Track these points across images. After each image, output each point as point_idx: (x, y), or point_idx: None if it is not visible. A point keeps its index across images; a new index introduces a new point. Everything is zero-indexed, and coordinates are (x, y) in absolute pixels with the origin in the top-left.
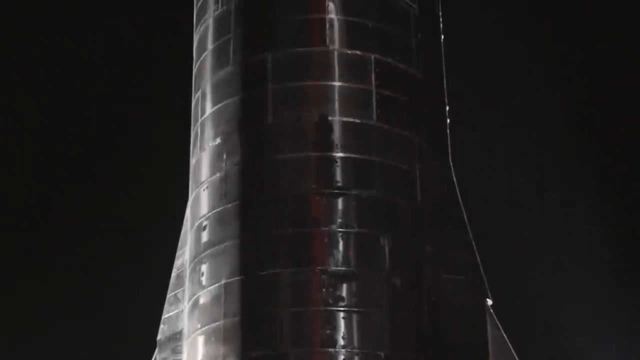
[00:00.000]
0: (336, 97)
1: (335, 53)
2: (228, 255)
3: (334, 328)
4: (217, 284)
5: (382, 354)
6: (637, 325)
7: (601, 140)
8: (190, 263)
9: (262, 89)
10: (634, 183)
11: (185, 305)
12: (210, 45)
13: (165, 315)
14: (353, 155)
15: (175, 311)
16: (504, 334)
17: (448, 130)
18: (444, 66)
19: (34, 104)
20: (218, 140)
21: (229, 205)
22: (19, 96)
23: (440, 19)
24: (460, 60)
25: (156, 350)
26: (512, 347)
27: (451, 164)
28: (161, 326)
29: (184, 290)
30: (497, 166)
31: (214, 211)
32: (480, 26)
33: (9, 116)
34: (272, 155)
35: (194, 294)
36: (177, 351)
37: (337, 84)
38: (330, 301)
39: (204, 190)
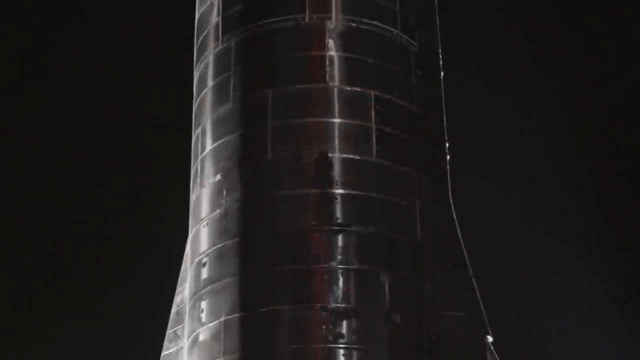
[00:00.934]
0: (336, 133)
1: (335, 90)
2: (228, 292)
3: None
4: (216, 321)
5: None
6: None
7: (603, 179)
8: (190, 299)
9: (262, 125)
10: (635, 222)
11: (185, 342)
12: (210, 82)
13: (164, 352)
14: (353, 192)
15: (174, 348)
16: None
17: (448, 167)
18: (443, 103)
19: (31, 145)
20: (218, 177)
21: (229, 241)
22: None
23: (440, 56)
24: (460, 96)
25: None
26: None
27: (451, 200)
28: None
29: (183, 327)
30: (498, 203)
31: (214, 248)
32: (480, 63)
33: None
34: (272, 192)
35: (193, 331)
36: None
37: (337, 120)
38: (330, 338)
39: (203, 226)
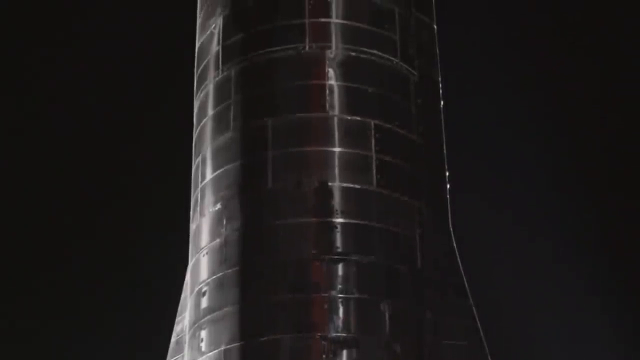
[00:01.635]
0: (336, 162)
1: (335, 119)
2: (228, 321)
3: None
4: (216, 350)
5: None
6: None
7: (604, 206)
8: (190, 329)
9: (262, 154)
10: (636, 251)
11: None
12: (210, 111)
13: None
14: (353, 221)
15: None
16: None
17: (448, 196)
18: (443, 132)
19: (32, 175)
20: (218, 206)
21: (229, 270)
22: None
23: (440, 85)
24: (460, 125)
25: None
26: None
27: (451, 229)
28: None
29: (183, 356)
30: (498, 231)
31: (214, 277)
32: (479, 92)
33: None
34: (272, 221)
35: None
36: None
37: (337, 149)
38: None
39: (203, 255)
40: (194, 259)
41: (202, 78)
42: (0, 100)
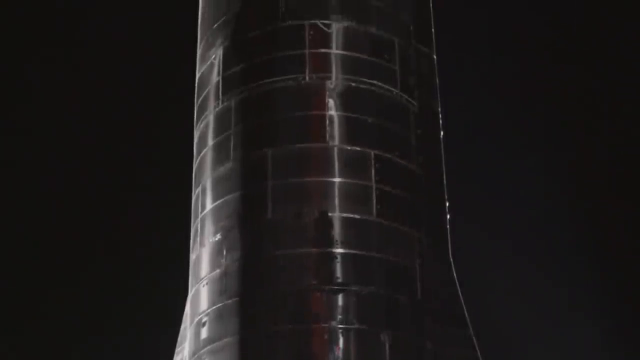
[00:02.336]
0: (336, 192)
1: (335, 149)
2: (228, 352)
3: None
4: None
5: None
6: None
7: (605, 239)
8: (190, 359)
9: (262, 184)
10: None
11: None
12: (210, 141)
13: None
14: (353, 251)
15: None
16: None
17: (448, 226)
18: (443, 162)
19: (31, 204)
20: (218, 236)
21: (229, 301)
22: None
23: (440, 115)
24: (460, 156)
25: None
26: None
27: (451, 259)
28: None
29: None
30: (498, 262)
31: (214, 307)
32: (479, 122)
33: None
34: (272, 251)
35: None
36: None
37: (337, 180)
38: None
39: (203, 286)
40: (193, 290)
41: (202, 108)
42: None
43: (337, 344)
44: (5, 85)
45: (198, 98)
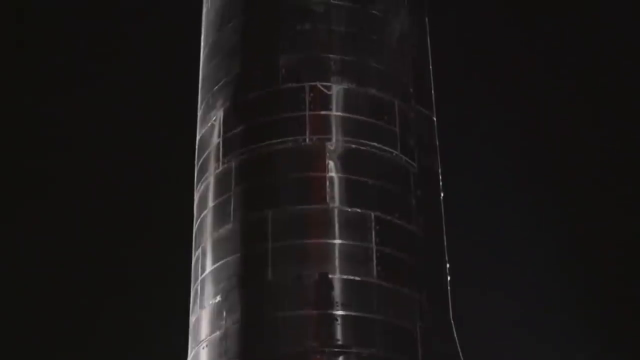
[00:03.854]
0: (336, 254)
1: (336, 211)
2: None
3: None
4: None
5: None
6: None
7: (610, 301)
8: None
9: (263, 246)
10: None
11: None
12: (211, 203)
13: None
14: (353, 313)
15: None
16: None
17: (449, 288)
18: (444, 223)
19: (31, 267)
20: (218, 298)
21: None
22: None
23: (440, 177)
24: (461, 217)
25: None
26: None
27: (452, 321)
28: None
29: None
30: (499, 323)
31: None
32: (480, 183)
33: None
34: (273, 313)
35: None
36: None
37: (337, 241)
38: None
39: (203, 348)
40: (193, 352)
41: (203, 170)
42: None
43: None
44: None
45: (198, 160)
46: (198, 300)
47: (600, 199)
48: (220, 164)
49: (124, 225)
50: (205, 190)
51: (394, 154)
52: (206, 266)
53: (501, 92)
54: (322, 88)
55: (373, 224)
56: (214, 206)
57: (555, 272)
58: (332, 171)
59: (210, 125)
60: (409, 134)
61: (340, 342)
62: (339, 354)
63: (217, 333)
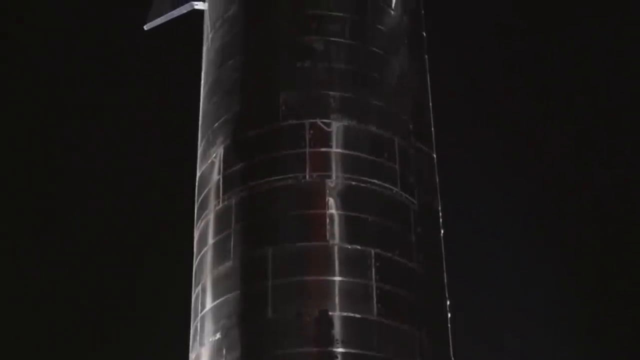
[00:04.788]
0: (336, 292)
1: (336, 248)
2: None
3: None
4: None
5: None
6: None
7: (611, 348)
8: None
9: (263, 283)
10: None
11: None
12: (211, 240)
13: None
14: (353, 351)
15: None
16: None
17: (449, 325)
18: (444, 261)
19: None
20: (218, 335)
21: None
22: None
23: (440, 214)
24: (461, 254)
25: None
26: None
27: (452, 358)
28: None
29: None
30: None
31: None
32: (480, 220)
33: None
34: (273, 351)
35: None
36: None
37: (337, 278)
38: None
39: None
40: None
41: (203, 207)
42: None
43: None
44: None
45: (198, 197)
46: (198, 338)
47: (603, 239)
48: (220, 201)
49: (124, 262)
50: (205, 227)
51: (394, 191)
52: (206, 303)
53: (501, 130)
54: (322, 125)
55: (373, 261)
56: (214, 243)
57: (557, 309)
58: (332, 208)
59: (210, 162)
60: (409, 171)
61: None
62: None
63: None
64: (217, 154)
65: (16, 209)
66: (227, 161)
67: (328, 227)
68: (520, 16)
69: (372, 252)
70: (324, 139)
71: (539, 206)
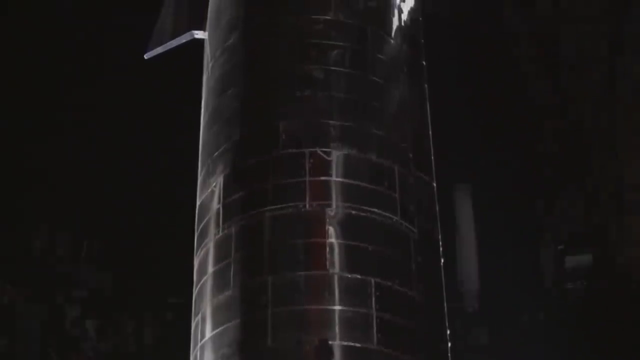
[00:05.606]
0: (336, 321)
1: (336, 277)
2: None
3: None
4: None
5: None
6: None
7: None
8: None
9: (263, 312)
10: None
11: None
12: (210, 269)
13: None
14: None
15: None
16: None
17: (449, 354)
18: (444, 289)
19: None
20: None
21: None
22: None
23: (440, 243)
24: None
25: None
26: None
27: None
28: None
29: None
30: None
31: None
32: (481, 250)
33: None
34: None
35: None
36: None
37: (337, 307)
38: None
39: None
40: None
41: (202, 236)
42: None
43: None
44: None
45: (198, 226)
46: None
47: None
48: (220, 230)
49: (123, 292)
50: (205, 256)
51: (394, 220)
52: (206, 332)
53: (503, 157)
54: (322, 154)
55: (373, 290)
56: (214, 272)
57: (558, 345)
58: (332, 237)
59: (210, 191)
60: (409, 200)
61: None
62: None
63: None
64: (217, 182)
65: None
66: (227, 190)
67: (328, 256)
68: (527, 46)
69: (372, 281)
70: (324, 167)
71: (542, 235)
